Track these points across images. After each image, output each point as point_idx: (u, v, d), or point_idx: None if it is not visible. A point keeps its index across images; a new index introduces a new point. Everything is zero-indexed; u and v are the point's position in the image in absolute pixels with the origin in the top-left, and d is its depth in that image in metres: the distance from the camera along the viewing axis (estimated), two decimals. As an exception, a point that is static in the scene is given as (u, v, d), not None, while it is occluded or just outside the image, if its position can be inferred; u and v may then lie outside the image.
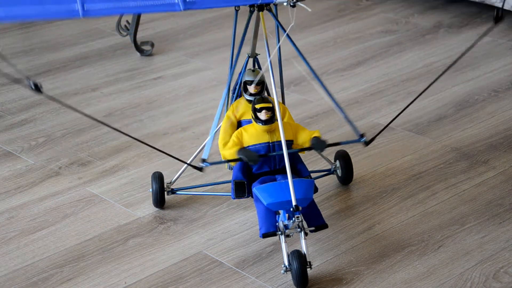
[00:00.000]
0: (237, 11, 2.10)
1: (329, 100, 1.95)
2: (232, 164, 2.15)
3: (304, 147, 2.02)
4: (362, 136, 1.97)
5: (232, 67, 2.13)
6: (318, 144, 1.99)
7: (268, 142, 2.00)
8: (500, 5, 3.45)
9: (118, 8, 1.62)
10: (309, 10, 1.80)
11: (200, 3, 1.66)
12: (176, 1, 1.63)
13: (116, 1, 1.62)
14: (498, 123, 2.64)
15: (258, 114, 1.99)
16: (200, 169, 1.91)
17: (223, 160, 2.00)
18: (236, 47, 2.01)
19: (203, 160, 1.90)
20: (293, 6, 1.77)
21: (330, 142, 2.19)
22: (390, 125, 2.63)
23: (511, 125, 2.63)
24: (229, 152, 1.99)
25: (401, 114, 2.11)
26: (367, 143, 1.97)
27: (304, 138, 2.02)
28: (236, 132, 2.03)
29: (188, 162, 2.14)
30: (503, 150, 2.48)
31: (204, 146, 2.22)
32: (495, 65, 3.07)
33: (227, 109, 2.19)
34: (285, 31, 1.91)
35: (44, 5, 1.60)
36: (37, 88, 1.67)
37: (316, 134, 2.02)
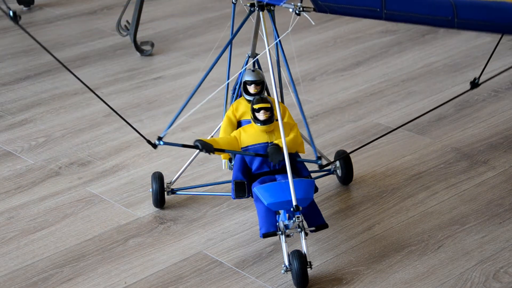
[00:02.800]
0: (234, 4, 2.10)
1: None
2: (226, 158, 2.13)
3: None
4: (319, 158, 1.95)
5: (228, 67, 2.13)
6: (273, 156, 1.97)
7: (267, 142, 2.00)
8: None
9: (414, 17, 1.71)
10: (313, 23, 1.80)
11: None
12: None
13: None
14: (498, 123, 2.64)
15: (257, 114, 1.99)
16: (154, 145, 1.92)
17: (178, 143, 1.97)
18: (236, 48, 2.01)
19: (159, 138, 1.90)
20: (298, 14, 1.76)
21: (327, 143, 2.20)
22: (390, 125, 2.63)
23: (511, 125, 2.63)
24: (211, 140, 1.97)
25: (401, 114, 2.11)
26: (321, 167, 1.95)
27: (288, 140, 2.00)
28: (235, 132, 2.03)
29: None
30: (503, 150, 2.48)
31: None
32: (495, 65, 3.07)
33: (227, 109, 2.19)
34: (278, 36, 1.91)
35: (423, 12, 1.71)
36: (15, 17, 1.68)
37: (287, 139, 1.98)
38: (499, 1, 1.76)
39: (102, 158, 2.50)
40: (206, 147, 1.93)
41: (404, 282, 1.93)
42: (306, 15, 1.77)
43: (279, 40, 2.03)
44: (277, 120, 1.99)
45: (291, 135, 2.01)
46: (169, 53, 3.29)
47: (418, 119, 2.67)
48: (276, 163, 1.99)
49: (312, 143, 1.96)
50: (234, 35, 1.98)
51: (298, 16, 1.75)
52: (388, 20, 1.68)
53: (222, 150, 1.97)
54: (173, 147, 2.53)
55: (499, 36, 2.13)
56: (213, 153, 1.96)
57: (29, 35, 1.77)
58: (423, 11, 1.69)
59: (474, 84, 1.91)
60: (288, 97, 2.84)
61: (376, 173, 2.38)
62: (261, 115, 1.99)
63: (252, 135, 2.01)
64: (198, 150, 2.21)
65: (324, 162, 1.96)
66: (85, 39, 3.44)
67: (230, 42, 1.97)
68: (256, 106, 1.99)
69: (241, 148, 2.01)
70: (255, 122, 2.00)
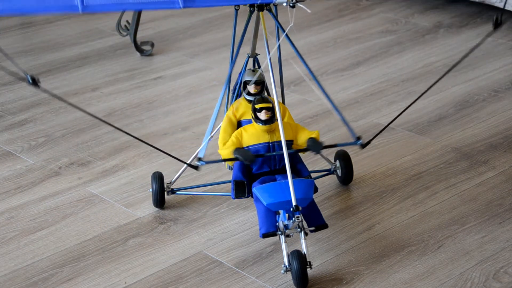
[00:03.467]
0: (237, 10, 2.10)
1: (327, 101, 1.95)
2: (230, 163, 2.15)
3: (302, 147, 2.02)
4: (358, 138, 1.97)
5: (231, 65, 2.13)
6: (314, 146, 1.99)
7: (268, 142, 2.00)
8: (500, 5, 3.45)
9: (118, 4, 1.61)
10: (309, 11, 1.80)
11: (200, 1, 1.66)
12: None
13: None
14: (498, 123, 2.64)
15: (258, 114, 1.99)
16: (196, 167, 1.92)
17: (219, 159, 2.00)
18: (236, 46, 2.01)
19: (199, 159, 1.91)
20: (293, 6, 1.77)
21: (328, 143, 2.19)
22: (390, 125, 2.63)
23: (511, 125, 2.63)
24: (226, 151, 1.99)
25: (401, 114, 2.12)
26: (363, 146, 1.97)
27: (303, 139, 2.02)
28: (236, 132, 2.03)
29: (187, 162, 2.14)
30: (503, 150, 2.48)
31: (202, 147, 2.23)
32: (495, 65, 3.07)
33: (227, 109, 2.19)
34: (284, 31, 1.91)
35: (44, 1, 1.60)
36: (35, 83, 1.67)
37: (314, 135, 2.02)
38: None
39: (102, 158, 2.50)
40: (247, 156, 1.95)
41: (404, 282, 1.93)
42: (301, 5, 1.78)
43: (282, 37, 2.03)
44: (277, 120, 1.99)
45: (315, 131, 2.02)
46: (169, 53, 3.29)
47: (418, 119, 2.67)
48: (318, 152, 2.00)
49: (347, 125, 1.96)
50: (242, 39, 1.98)
51: (294, 9, 1.75)
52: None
53: (261, 155, 1.99)
54: (173, 144, 2.54)
55: (499, 36, 2.12)
56: (253, 162, 1.97)
57: (53, 95, 1.77)
58: None
59: (497, 24, 1.84)
60: (288, 97, 2.84)
61: (376, 173, 2.38)
62: (262, 115, 1.99)
63: (253, 135, 2.01)
64: (198, 151, 2.22)
65: (365, 141, 1.96)
66: (85, 39, 3.44)
67: (239, 47, 1.97)
68: (257, 106, 1.99)
69: (243, 147, 2.01)
70: (256, 122, 2.00)
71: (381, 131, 2.05)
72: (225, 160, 2.00)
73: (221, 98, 1.95)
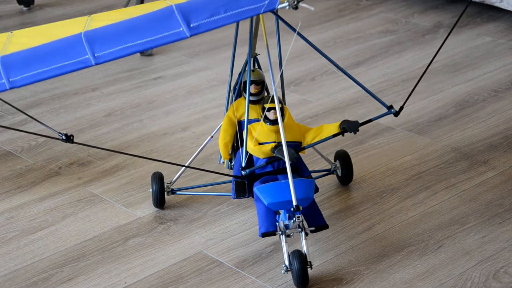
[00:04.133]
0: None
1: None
2: (226, 158, 2.14)
3: (316, 140, 2.02)
4: (391, 107, 2.01)
5: (231, 68, 2.13)
6: (351, 126, 2.00)
7: (275, 142, 2.00)
8: (501, 5, 3.45)
9: (127, 48, 1.65)
10: (312, 9, 1.80)
11: (205, 26, 1.66)
12: (181, 29, 1.64)
13: (122, 41, 1.65)
14: (498, 123, 2.64)
15: (267, 113, 1.99)
16: (242, 177, 1.99)
17: (262, 164, 2.00)
18: (237, 48, 2.01)
19: (243, 168, 1.93)
20: (295, 8, 1.76)
21: (329, 144, 2.19)
22: (390, 125, 2.63)
23: (511, 125, 2.63)
24: (261, 150, 1.98)
25: (401, 114, 2.11)
26: (396, 114, 2.01)
27: (311, 136, 2.02)
28: (249, 126, 2.03)
29: (186, 164, 2.14)
30: (503, 150, 2.48)
31: (203, 147, 2.23)
32: (495, 65, 3.07)
33: (227, 109, 2.19)
34: (295, 30, 1.91)
35: (57, 61, 1.66)
36: (68, 139, 1.84)
37: (337, 125, 2.02)
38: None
39: (102, 158, 2.50)
40: (290, 154, 1.95)
41: (404, 282, 1.93)
42: (304, 5, 1.78)
43: (279, 40, 2.03)
44: (283, 120, 1.99)
45: (336, 123, 2.03)
46: (169, 53, 3.29)
47: (418, 119, 2.67)
48: (356, 131, 2.00)
49: (376, 98, 1.99)
50: (250, 43, 1.99)
51: (296, 10, 1.75)
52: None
53: (303, 148, 2.01)
54: (173, 144, 2.53)
55: (499, 36, 2.13)
56: (296, 160, 1.98)
57: (87, 145, 1.89)
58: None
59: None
60: (288, 97, 2.84)
61: (376, 173, 2.38)
62: (271, 115, 1.99)
63: (261, 133, 2.01)
64: (198, 151, 2.22)
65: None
66: (85, 39, 3.43)
67: (249, 53, 1.99)
68: (267, 105, 1.99)
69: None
70: (264, 122, 2.00)
71: (410, 94, 2.07)
72: (268, 162, 2.00)
73: (228, 94, 1.96)
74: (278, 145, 1.98)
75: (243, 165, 1.94)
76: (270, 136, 2.00)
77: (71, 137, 1.84)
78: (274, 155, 1.97)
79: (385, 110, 2.04)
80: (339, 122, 2.02)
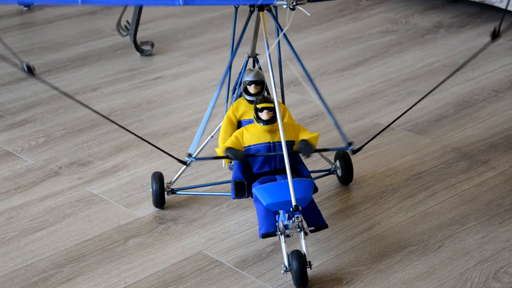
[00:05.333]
0: (236, 9, 2.10)
1: (320, 104, 1.96)
2: (227, 161, 2.15)
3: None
4: (350, 144, 1.97)
5: (229, 65, 2.13)
6: (305, 148, 1.98)
7: (269, 142, 2.00)
8: (501, 5, 3.45)
9: None
10: (308, 14, 1.80)
11: (200, 0, 1.66)
12: None
13: None
14: (498, 123, 2.64)
15: (260, 114, 1.99)
16: (184, 162, 1.94)
17: (209, 157, 2.01)
18: (235, 45, 2.01)
19: (189, 155, 1.91)
20: (293, 9, 1.76)
21: (328, 144, 2.19)
22: (390, 125, 2.63)
23: (511, 125, 2.63)
24: (220, 149, 2.00)
25: (399, 117, 2.12)
26: (354, 152, 1.97)
27: (304, 138, 2.02)
28: (237, 131, 2.03)
29: (186, 164, 2.14)
30: (503, 150, 2.48)
31: (203, 147, 2.23)
32: (495, 65, 3.07)
33: (227, 109, 2.19)
34: (282, 30, 1.91)
35: None
36: (30, 71, 1.68)
37: (311, 136, 2.01)
38: None
39: (102, 158, 2.50)
40: (237, 156, 1.95)
41: (404, 282, 1.93)
42: (301, 8, 1.77)
43: (279, 40, 2.03)
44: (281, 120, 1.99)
45: (315, 134, 2.02)
46: (169, 53, 3.29)
47: (418, 119, 2.67)
48: (308, 156, 1.98)
49: (339, 129, 1.96)
50: (240, 39, 1.98)
51: (293, 11, 1.75)
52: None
53: (252, 155, 1.99)
54: (173, 144, 2.53)
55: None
56: (245, 160, 1.98)
57: (47, 84, 1.78)
58: None
59: (495, 35, 1.85)
60: (288, 97, 2.84)
61: (376, 173, 2.38)
62: (264, 115, 1.99)
63: (254, 134, 2.01)
64: (198, 151, 2.22)
65: (356, 146, 1.96)
66: (85, 39, 3.44)
67: (238, 44, 1.98)
68: (259, 106, 1.99)
69: (244, 147, 2.01)
70: (258, 122, 2.00)
71: (372, 138, 2.05)
72: (216, 158, 2.00)
73: (215, 96, 1.96)
74: (231, 149, 1.99)
75: (192, 152, 1.93)
76: (264, 136, 2.00)
77: (33, 69, 1.70)
78: (225, 154, 1.98)
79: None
80: (310, 136, 2.00)
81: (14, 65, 1.76)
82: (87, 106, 1.89)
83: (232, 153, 1.97)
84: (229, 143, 2.01)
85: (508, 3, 1.94)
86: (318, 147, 2.39)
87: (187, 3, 1.64)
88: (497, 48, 3.22)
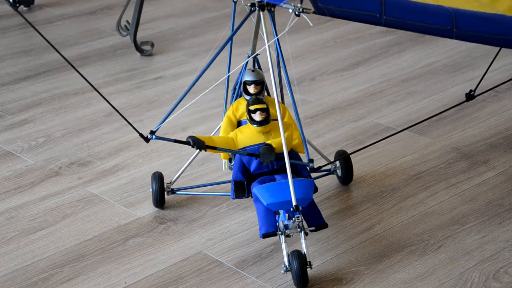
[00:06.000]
0: (235, 2, 2.10)
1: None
2: (226, 157, 2.13)
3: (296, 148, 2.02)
4: (311, 161, 1.98)
5: (229, 65, 2.13)
6: (265, 156, 1.98)
7: (264, 143, 2.00)
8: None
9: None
10: (311, 24, 1.80)
11: None
12: None
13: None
14: (498, 123, 2.64)
15: (253, 115, 1.99)
16: (146, 138, 1.95)
17: (171, 139, 2.00)
18: (236, 48, 2.01)
19: (152, 132, 1.92)
20: (297, 15, 1.76)
21: (327, 143, 2.18)
22: (390, 125, 2.63)
23: (511, 125, 2.63)
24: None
25: (401, 114, 2.11)
26: (314, 170, 2.00)
27: (279, 141, 2.00)
28: (232, 133, 2.03)
29: (186, 164, 2.14)
30: (503, 150, 2.48)
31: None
32: (495, 65, 3.07)
33: (227, 109, 2.19)
34: (276, 34, 1.91)
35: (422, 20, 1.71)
36: (14, 3, 1.72)
37: (279, 140, 1.99)
38: (498, 14, 1.77)
39: (102, 158, 2.50)
40: (198, 143, 1.94)
41: (404, 282, 1.93)
42: (305, 17, 1.77)
43: (278, 40, 2.03)
44: (276, 120, 1.98)
45: (285, 135, 2.00)
46: (169, 53, 3.29)
47: (418, 119, 2.67)
48: (267, 164, 1.98)
49: (304, 144, 1.97)
50: (234, 33, 1.98)
51: (298, 17, 1.75)
52: (387, 26, 1.69)
53: (214, 148, 1.97)
54: (173, 144, 2.53)
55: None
56: (205, 150, 1.97)
57: (29, 23, 1.76)
58: (423, 19, 1.70)
59: (470, 96, 1.95)
60: (288, 97, 2.84)
61: (376, 173, 2.38)
62: (257, 116, 1.99)
63: (248, 135, 2.01)
64: (198, 150, 2.22)
65: (315, 165, 1.98)
66: (85, 39, 3.44)
67: (230, 39, 1.97)
68: (252, 107, 1.98)
69: (238, 149, 2.01)
70: (251, 123, 2.00)
71: (333, 161, 2.10)
72: (176, 141, 1.98)
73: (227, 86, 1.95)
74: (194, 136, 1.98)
75: (155, 129, 1.94)
76: (258, 138, 2.00)
77: (16, 2, 1.73)
78: (187, 140, 1.96)
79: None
80: (270, 142, 2.00)
81: None
82: (106, 99, 1.92)
83: (193, 140, 1.95)
84: (222, 140, 1.99)
85: (485, 72, 2.04)
86: (320, 149, 2.39)
87: None
88: (497, 48, 3.21)
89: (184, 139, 1.96)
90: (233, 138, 2.01)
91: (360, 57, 3.19)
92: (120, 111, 2.82)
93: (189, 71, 3.12)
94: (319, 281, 1.94)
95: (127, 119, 2.75)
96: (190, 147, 1.95)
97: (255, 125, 1.99)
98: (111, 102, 1.91)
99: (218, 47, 3.34)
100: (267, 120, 1.99)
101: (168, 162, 2.44)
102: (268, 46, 1.94)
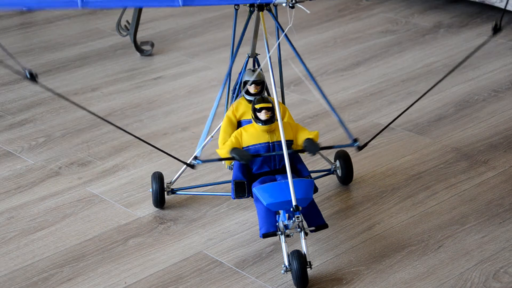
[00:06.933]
0: (236, 10, 2.10)
1: (324, 102, 1.96)
2: (228, 162, 2.15)
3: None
4: (355, 140, 1.97)
5: (231, 66, 2.13)
6: (311, 147, 1.99)
7: (268, 142, 2.00)
8: (501, 5, 3.45)
9: (117, 1, 1.61)
10: (308, 12, 1.79)
11: (199, 0, 1.66)
12: None
13: None
14: (498, 123, 2.64)
15: (258, 114, 1.99)
16: (192, 166, 1.93)
17: (215, 158, 2.01)
18: (235, 46, 2.01)
19: (196, 158, 1.91)
20: (292, 7, 1.76)
21: (327, 144, 2.19)
22: (390, 125, 2.63)
23: (511, 125, 2.63)
24: (223, 151, 1.99)
25: (400, 115, 2.12)
26: (360, 148, 1.97)
27: (303, 139, 2.02)
28: (235, 132, 2.03)
29: (186, 161, 2.14)
30: (503, 150, 2.48)
31: (203, 147, 2.23)
32: (495, 65, 3.07)
33: (227, 109, 2.19)
34: (283, 31, 1.91)
35: None
36: (33, 78, 1.67)
37: (313, 136, 2.01)
38: None
39: (102, 158, 2.50)
40: (243, 156, 1.95)
41: (404, 282, 1.93)
42: (300, 6, 1.77)
43: (282, 37, 2.03)
44: (277, 120, 1.99)
45: (314, 132, 2.02)
46: (169, 53, 3.29)
47: (418, 119, 2.67)
48: (314, 154, 1.99)
49: (344, 126, 1.96)
50: (241, 38, 1.98)
51: (293, 9, 1.75)
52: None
53: (258, 156, 1.99)
54: (173, 144, 2.53)
55: (499, 36, 2.14)
56: (250, 159, 1.97)
57: (52, 91, 1.76)
58: None
59: (496, 29, 1.85)
60: (288, 97, 2.84)
61: (376, 173, 2.38)
62: (262, 115, 1.99)
63: (253, 135, 2.01)
64: (198, 151, 2.22)
65: (362, 143, 1.97)
66: (85, 39, 3.44)
67: (239, 44, 1.98)
68: (257, 106, 1.99)
69: (243, 148, 2.01)
70: (256, 122, 2.00)
71: (377, 134, 2.05)
72: (221, 159, 2.00)
73: (218, 97, 1.95)
74: (236, 149, 1.98)
75: (198, 155, 1.93)
76: (263, 136, 2.00)
77: (35, 76, 1.69)
78: (231, 155, 1.97)
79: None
80: (310, 135, 2.01)
81: (16, 72, 1.75)
82: (87, 109, 1.90)
83: (237, 154, 1.96)
84: (229, 144, 2.00)
85: (507, 3, 1.92)
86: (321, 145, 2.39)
87: (186, 4, 1.64)
88: (497, 48, 3.22)
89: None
90: (238, 138, 2.01)
91: (360, 57, 3.19)
92: (120, 112, 2.83)
93: (189, 71, 3.12)
94: (319, 281, 1.94)
95: (128, 119, 2.75)
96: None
97: (260, 124, 1.99)
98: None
99: (218, 47, 3.34)
100: (272, 119, 1.99)
101: (168, 162, 2.44)
102: (268, 45, 1.94)
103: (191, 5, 1.64)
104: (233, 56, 2.01)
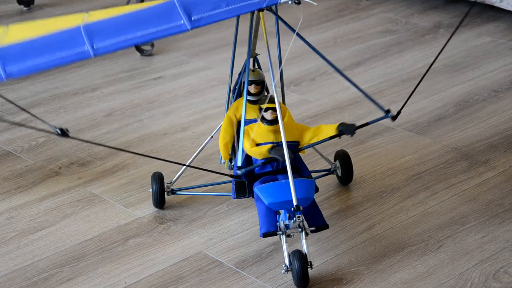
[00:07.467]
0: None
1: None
2: (226, 158, 2.14)
3: (314, 141, 2.01)
4: (388, 111, 1.98)
5: (231, 67, 2.13)
6: (348, 128, 1.99)
7: (273, 142, 2.00)
8: (501, 5, 3.45)
9: (127, 41, 1.63)
10: (315, 4, 1.79)
11: (206, 19, 1.66)
12: (182, 21, 1.64)
13: (122, 33, 1.64)
14: (498, 123, 2.64)
15: (264, 114, 1.99)
16: (238, 176, 1.97)
17: (259, 164, 1.99)
18: (238, 48, 2.01)
19: (239, 168, 1.91)
20: (298, 3, 1.76)
21: (329, 143, 2.18)
22: (390, 125, 2.63)
23: (511, 125, 2.63)
24: (259, 151, 1.97)
25: (401, 114, 2.11)
26: (394, 118, 1.98)
27: (309, 137, 2.02)
28: (245, 129, 2.02)
29: (187, 164, 2.14)
30: (503, 150, 2.48)
31: (203, 147, 2.23)
32: (495, 65, 3.07)
33: (227, 109, 2.19)
34: (294, 30, 1.91)
35: (54, 52, 1.63)
36: (64, 133, 1.74)
37: (333, 127, 2.01)
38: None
39: (102, 158, 2.50)
40: (281, 154, 1.94)
41: (404, 282, 1.93)
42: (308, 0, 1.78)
43: (279, 40, 2.03)
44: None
45: (335, 124, 2.02)
46: (169, 53, 3.29)
47: (418, 119, 2.67)
48: (352, 134, 1.99)
49: (374, 101, 1.98)
50: (250, 41, 1.98)
51: (299, 5, 1.75)
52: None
53: (301, 149, 2.00)
54: (173, 144, 2.53)
55: (499, 36, 2.14)
56: (292, 160, 1.98)
57: (81, 140, 1.79)
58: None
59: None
60: (288, 97, 2.84)
61: (376, 173, 2.38)
62: (268, 115, 1.99)
63: (259, 134, 2.01)
64: (198, 151, 2.22)
65: (394, 112, 1.98)
66: (85, 39, 3.43)
67: (249, 49, 1.99)
68: (264, 106, 1.99)
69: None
70: (262, 122, 2.00)
71: (408, 99, 2.05)
72: (265, 163, 1.98)
73: (228, 96, 1.95)
74: (275, 146, 1.98)
75: (239, 164, 1.93)
76: (268, 136, 2.00)
77: (67, 131, 1.76)
78: (271, 156, 1.96)
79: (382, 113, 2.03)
80: (337, 124, 2.02)
81: (48, 131, 1.79)
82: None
83: (277, 154, 1.95)
84: (249, 144, 1.99)
85: (443, 48, 2.00)
86: (320, 149, 2.39)
87: (194, 26, 1.64)
88: (497, 48, 3.22)
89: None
90: (249, 131, 2.02)
91: (360, 57, 3.19)
92: (120, 112, 2.82)
93: (189, 71, 3.12)
94: (319, 281, 1.94)
95: (128, 119, 2.75)
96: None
97: (266, 124, 2.00)
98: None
99: (218, 47, 3.34)
100: (277, 119, 1.99)
101: (168, 162, 2.44)
102: (268, 45, 1.94)
103: (199, 26, 1.65)
104: (249, 56, 2.00)
